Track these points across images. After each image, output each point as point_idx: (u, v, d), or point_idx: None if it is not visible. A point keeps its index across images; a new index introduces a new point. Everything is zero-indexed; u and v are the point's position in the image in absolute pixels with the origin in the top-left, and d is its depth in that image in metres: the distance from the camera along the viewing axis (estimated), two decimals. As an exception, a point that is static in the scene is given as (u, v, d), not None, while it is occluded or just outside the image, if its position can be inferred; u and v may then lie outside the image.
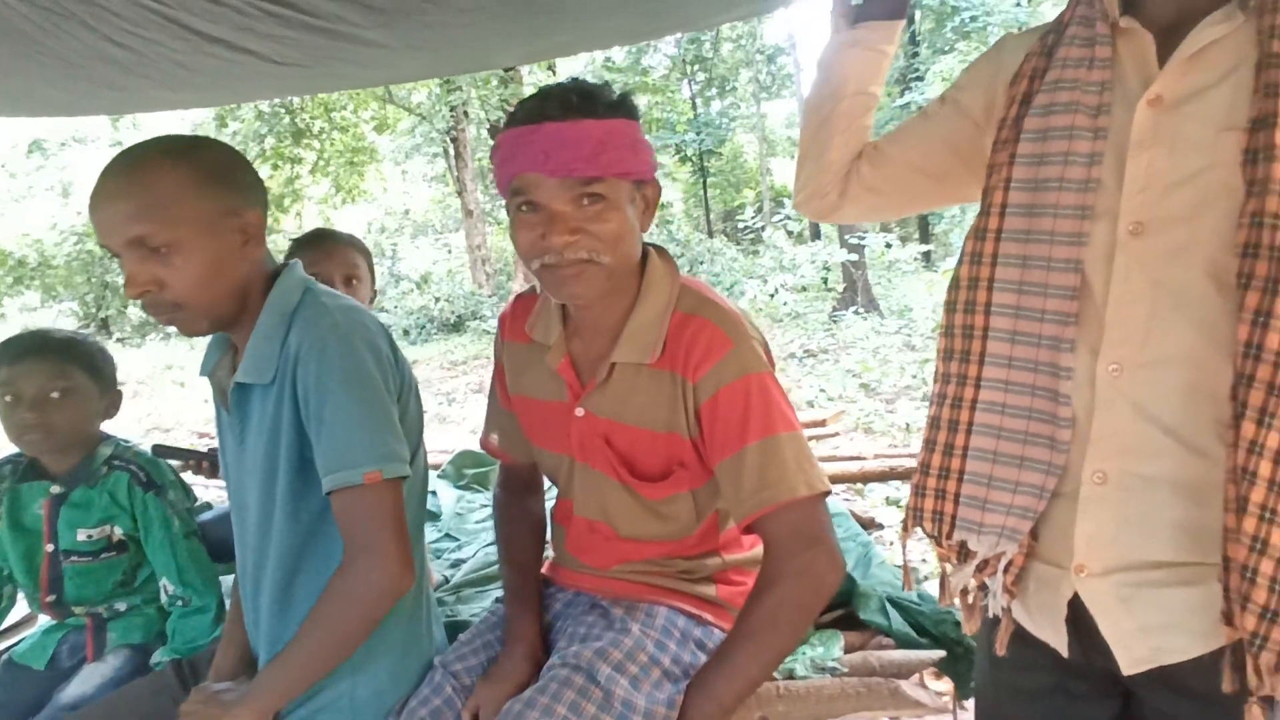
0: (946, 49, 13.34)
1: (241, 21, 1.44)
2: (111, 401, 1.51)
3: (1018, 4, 12.28)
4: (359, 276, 1.85)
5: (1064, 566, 0.85)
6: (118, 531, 1.46)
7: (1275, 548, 0.70)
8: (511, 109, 1.01)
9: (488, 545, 2.31)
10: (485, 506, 2.72)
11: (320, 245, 1.83)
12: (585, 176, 0.96)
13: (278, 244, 15.75)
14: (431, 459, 3.42)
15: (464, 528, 2.58)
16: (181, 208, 0.98)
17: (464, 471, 2.99)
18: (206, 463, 1.68)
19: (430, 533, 2.56)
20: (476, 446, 3.36)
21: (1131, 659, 0.81)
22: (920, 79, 13.02)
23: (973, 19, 12.63)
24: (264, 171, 14.40)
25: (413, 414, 1.17)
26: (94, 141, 14.34)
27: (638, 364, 1.07)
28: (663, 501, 1.12)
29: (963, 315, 0.89)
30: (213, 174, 1.01)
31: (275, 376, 1.05)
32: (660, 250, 1.15)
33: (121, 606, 1.49)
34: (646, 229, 1.08)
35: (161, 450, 1.60)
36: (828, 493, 1.05)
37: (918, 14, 13.58)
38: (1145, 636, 0.80)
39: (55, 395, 1.39)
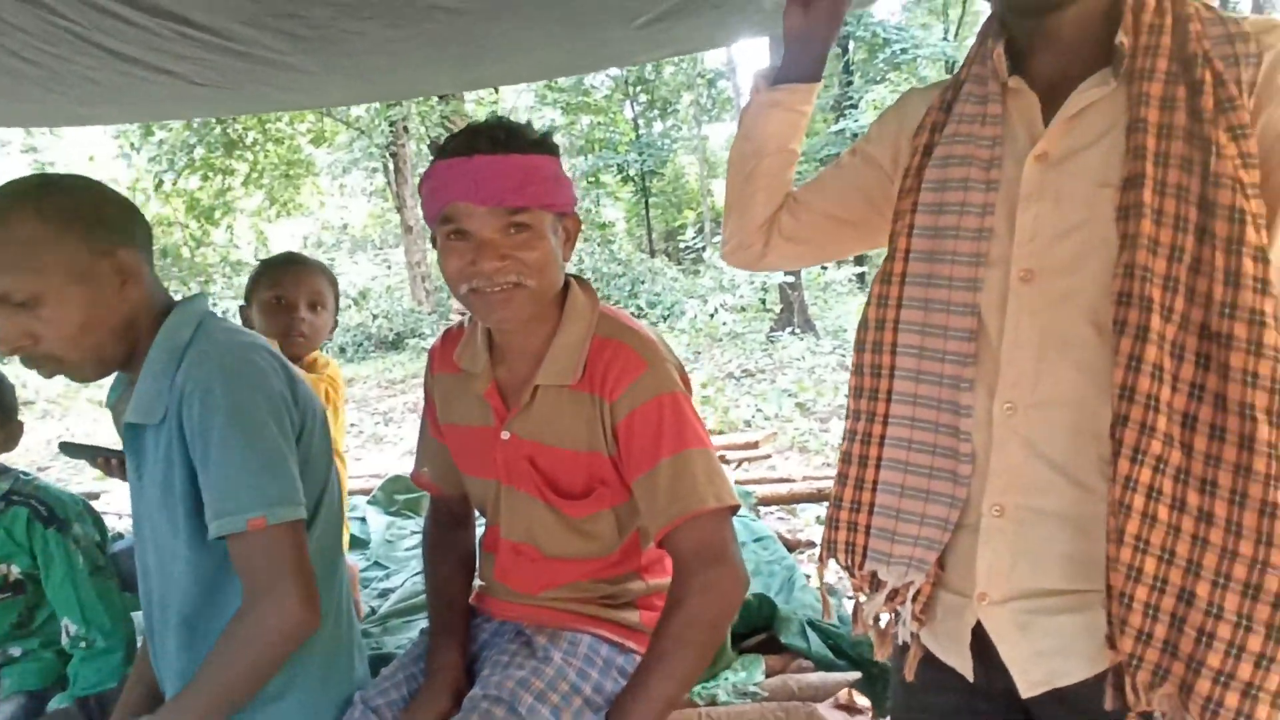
0: (878, 79, 13.88)
1: (156, 43, 1.41)
2: (10, 434, 1.43)
3: (945, 39, 12.87)
4: (323, 304, 1.85)
5: (968, 595, 0.88)
6: (14, 570, 1.38)
7: (1148, 575, 0.75)
8: (444, 139, 1.06)
9: (416, 574, 2.26)
10: (416, 534, 2.66)
11: (287, 269, 1.83)
12: (512, 206, 1.02)
13: (206, 257, 15.21)
14: (364, 484, 3.34)
15: (393, 555, 2.51)
16: (41, 257, 0.93)
17: (395, 497, 2.92)
18: (116, 460, 1.61)
19: (358, 560, 2.49)
20: (408, 471, 3.31)
21: (1029, 682, 0.85)
22: (854, 107, 13.49)
23: (903, 51, 13.19)
24: (193, 182, 13.88)
25: (317, 452, 1.14)
26: (4, 146, 13.58)
27: (560, 386, 1.12)
28: (585, 520, 1.16)
29: (871, 355, 0.93)
30: (73, 216, 0.96)
31: (165, 415, 1.01)
32: (581, 280, 1.21)
33: (16, 651, 1.41)
34: (568, 259, 1.14)
35: (69, 448, 1.52)
36: (736, 507, 1.10)
37: (851, 44, 14.07)
38: (1040, 661, 0.84)
39: None
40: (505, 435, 1.16)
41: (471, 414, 1.21)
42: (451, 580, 1.30)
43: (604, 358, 1.11)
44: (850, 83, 14.26)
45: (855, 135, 13.61)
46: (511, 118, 1.11)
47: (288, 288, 1.79)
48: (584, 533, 1.17)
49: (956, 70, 0.94)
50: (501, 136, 1.03)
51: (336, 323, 1.97)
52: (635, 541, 1.23)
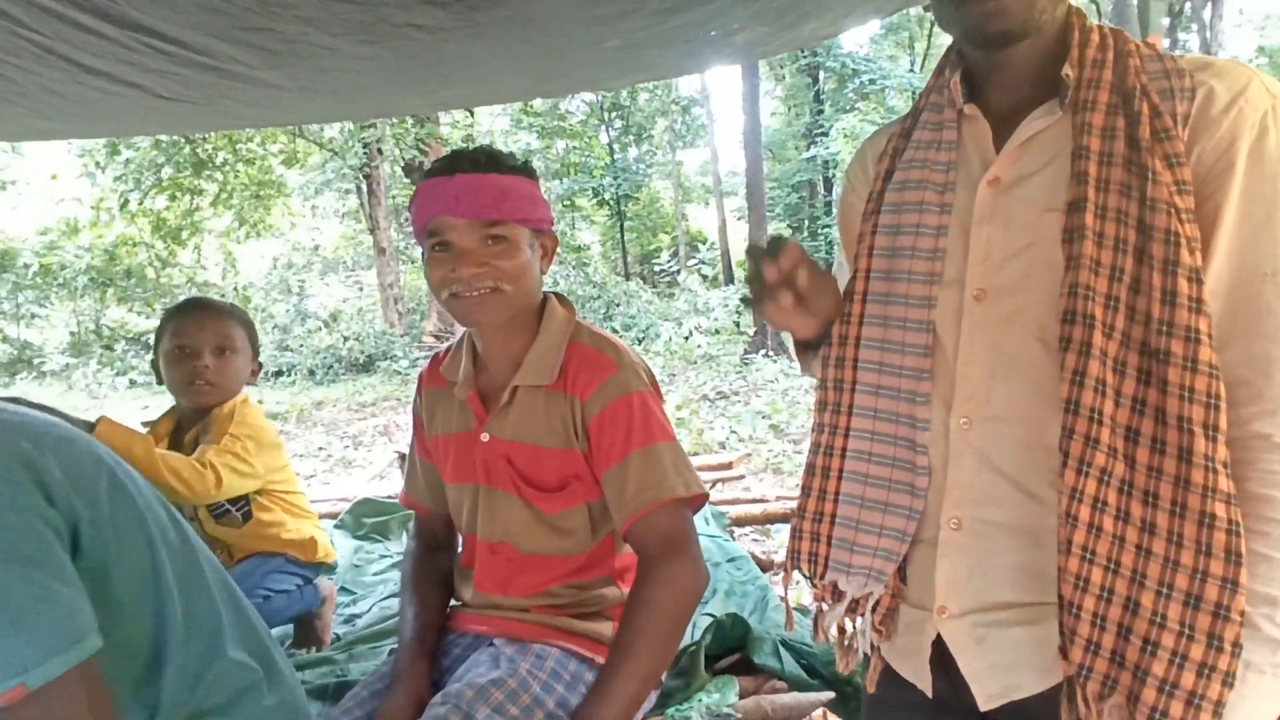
0: (848, 108, 14.21)
1: (125, 55, 1.40)
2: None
3: (911, 70, 13.22)
4: (233, 348, 1.79)
5: (928, 609, 0.90)
6: None
7: (1095, 585, 0.77)
8: (429, 158, 1.16)
9: (384, 599, 2.22)
10: (384, 558, 2.62)
11: (190, 315, 1.77)
12: (489, 219, 1.12)
13: (172, 278, 14.95)
14: (331, 507, 3.28)
15: (360, 580, 2.47)
16: None
17: (363, 520, 2.87)
18: None
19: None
20: (377, 494, 3.26)
21: (986, 695, 0.86)
22: (825, 134, 13.78)
23: (871, 81, 13.53)
24: (160, 202, 13.68)
25: (131, 564, 0.91)
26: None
27: (537, 386, 1.20)
28: (560, 515, 1.22)
29: (834, 370, 0.95)
30: None
31: None
32: (560, 296, 1.30)
33: None
34: (545, 273, 1.24)
35: None
36: (704, 497, 1.18)
37: (821, 74, 14.40)
38: (997, 674, 0.86)
39: None
40: (485, 437, 1.24)
41: (454, 421, 1.29)
42: (427, 596, 1.32)
43: (577, 360, 1.20)
44: (821, 111, 14.58)
45: (827, 162, 13.89)
46: (487, 140, 1.17)
47: (190, 335, 1.73)
48: (558, 529, 1.22)
49: (917, 99, 0.98)
50: (482, 159, 1.13)
51: (260, 365, 1.92)
52: (609, 544, 1.27)
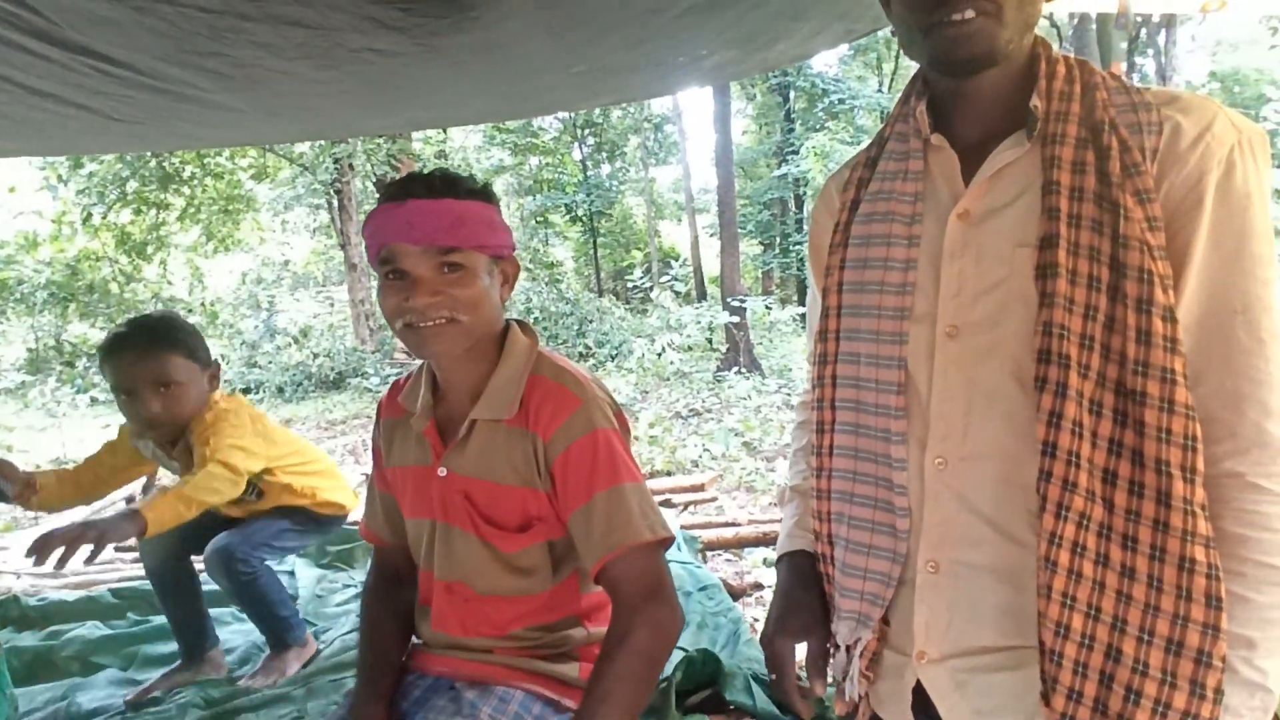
0: (818, 127, 14.40)
1: (72, 78, 1.34)
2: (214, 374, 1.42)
3: (879, 90, 13.46)
4: (175, 380, 1.71)
5: (907, 654, 0.87)
6: None
7: (1076, 631, 0.75)
8: (400, 173, 1.09)
9: (347, 632, 2.15)
10: (349, 587, 2.54)
11: (120, 358, 1.68)
12: (444, 246, 1.07)
13: (137, 293, 14.60)
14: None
15: (323, 612, 2.39)
16: None
17: (327, 549, 2.79)
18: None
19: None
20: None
21: (967, 742, 0.84)
22: (795, 153, 13.94)
23: (840, 101, 13.74)
24: (125, 216, 13.39)
25: None
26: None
27: (495, 420, 1.15)
28: (518, 555, 1.17)
29: (816, 411, 0.93)
30: None
31: None
32: (522, 323, 1.24)
33: None
34: (506, 300, 1.19)
35: None
36: (671, 539, 1.14)
37: (791, 94, 14.59)
38: None
39: None
40: (442, 472, 1.18)
41: (412, 454, 1.24)
42: (386, 634, 1.28)
43: (539, 395, 1.15)
44: (792, 130, 14.77)
45: (798, 180, 14.05)
46: (460, 157, 1.13)
47: (126, 377, 1.67)
48: (517, 569, 1.17)
49: (882, 127, 0.96)
50: (437, 183, 1.08)
51: (216, 376, 1.85)
52: (574, 584, 1.22)
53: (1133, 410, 0.73)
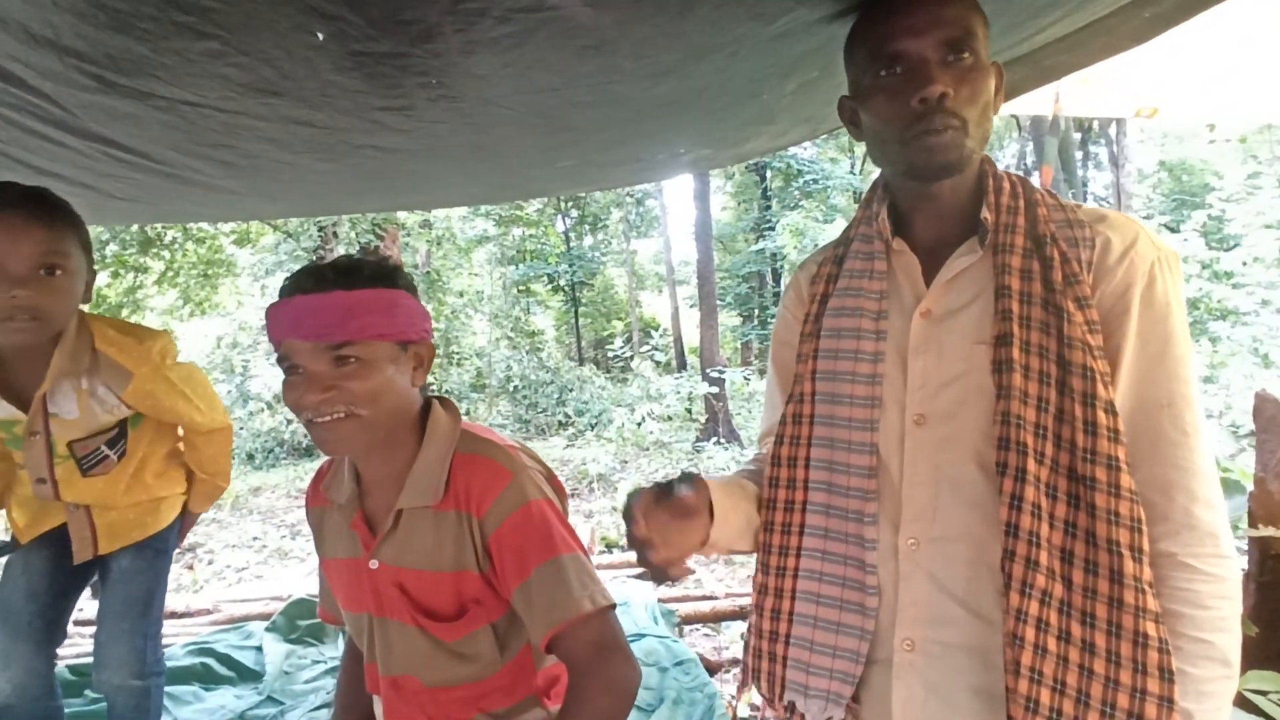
0: (793, 205, 14.90)
1: (83, 162, 1.40)
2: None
3: (851, 172, 14.02)
4: (67, 267, 1.31)
5: (881, 732, 0.89)
6: None
7: (1044, 707, 0.78)
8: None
9: (315, 709, 2.09)
10: (318, 663, 2.48)
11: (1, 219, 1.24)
12: (333, 341, 1.03)
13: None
14: (264, 607, 3.11)
15: (290, 689, 2.33)
16: None
17: (297, 623, 2.73)
18: None
19: (249, 696, 2.29)
20: (312, 592, 3.11)
21: (944, 821, 0.85)
22: (771, 229, 14.37)
23: (814, 181, 14.28)
24: (102, 279, 13.34)
25: None
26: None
27: (423, 507, 1.12)
28: (461, 641, 1.14)
29: (785, 490, 0.98)
30: None
31: None
32: (444, 400, 1.22)
33: None
34: (419, 384, 1.15)
35: None
36: (613, 606, 1.11)
37: (768, 173, 15.15)
38: None
39: None
40: (374, 564, 1.16)
41: (343, 546, 1.21)
42: (358, 713, 1.27)
43: (466, 473, 1.12)
44: (769, 207, 15.26)
45: (774, 255, 14.43)
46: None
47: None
48: (461, 655, 1.15)
49: (846, 228, 1.05)
50: (329, 275, 1.05)
51: (93, 275, 1.42)
52: (527, 660, 1.20)
53: (1084, 494, 0.79)
